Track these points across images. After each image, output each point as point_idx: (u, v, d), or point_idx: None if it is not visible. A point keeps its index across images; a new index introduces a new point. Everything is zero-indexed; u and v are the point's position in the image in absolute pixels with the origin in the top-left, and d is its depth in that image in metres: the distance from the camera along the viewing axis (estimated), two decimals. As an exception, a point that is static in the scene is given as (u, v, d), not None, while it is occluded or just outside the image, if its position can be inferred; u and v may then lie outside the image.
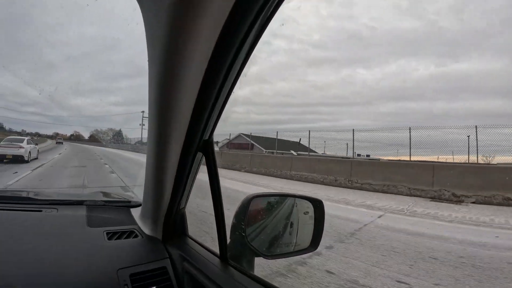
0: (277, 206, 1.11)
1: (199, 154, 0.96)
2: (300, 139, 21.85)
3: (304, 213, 1.11)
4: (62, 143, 41.48)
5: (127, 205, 1.57)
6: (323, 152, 23.08)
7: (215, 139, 0.93)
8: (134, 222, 1.37)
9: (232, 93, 0.79)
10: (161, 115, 0.86)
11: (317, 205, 1.10)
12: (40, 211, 1.40)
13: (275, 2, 0.62)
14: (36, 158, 15.22)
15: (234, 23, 0.63)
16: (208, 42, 0.65)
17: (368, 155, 20.31)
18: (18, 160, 13.17)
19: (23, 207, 1.43)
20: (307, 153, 21.11)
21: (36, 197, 1.55)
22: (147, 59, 0.79)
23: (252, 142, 27.63)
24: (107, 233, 1.23)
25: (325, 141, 21.58)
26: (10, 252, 1.04)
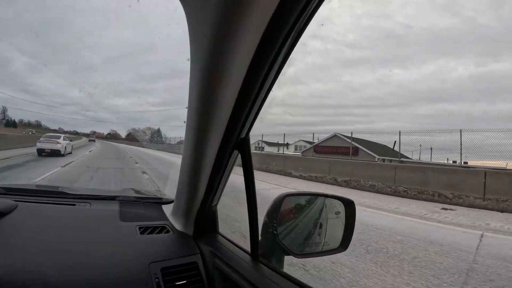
0: (308, 205, 1.11)
1: (235, 152, 0.98)
2: (395, 141, 17.90)
3: (336, 213, 1.11)
4: (94, 141, 42.94)
5: (158, 202, 1.61)
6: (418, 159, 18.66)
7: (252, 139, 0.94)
8: (166, 218, 1.41)
9: (271, 92, 0.80)
10: (202, 111, 0.87)
11: (349, 205, 1.10)
12: (74, 205, 1.45)
13: (315, 3, 0.63)
14: (70, 153, 17.07)
15: (277, 24, 0.64)
16: (252, 41, 0.67)
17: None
18: (55, 153, 14.83)
19: (58, 200, 1.48)
20: (393, 158, 17.87)
21: (69, 192, 1.61)
22: (184, 60, 0.81)
23: (358, 145, 22.08)
24: (139, 228, 1.27)
25: (420, 145, 17.94)
26: (44, 243, 1.08)
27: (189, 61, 0.80)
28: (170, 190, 1.38)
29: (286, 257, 1.07)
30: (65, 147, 16.20)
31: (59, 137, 16.45)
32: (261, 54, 0.70)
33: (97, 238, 1.17)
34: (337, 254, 1.12)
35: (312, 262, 3.62)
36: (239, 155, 0.98)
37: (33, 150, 14.92)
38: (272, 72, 0.75)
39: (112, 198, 1.59)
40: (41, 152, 14.69)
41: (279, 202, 1.01)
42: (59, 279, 0.96)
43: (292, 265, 3.35)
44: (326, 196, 1.12)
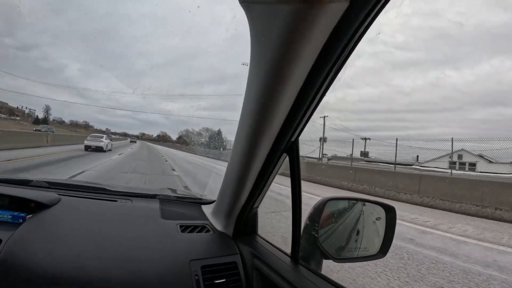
0: (349, 210, 1.13)
1: (284, 155, 1.00)
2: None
3: (376, 219, 1.11)
4: (135, 142, 45.52)
5: (198, 202, 1.65)
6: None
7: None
8: (206, 218, 1.44)
9: (324, 97, 0.82)
10: (257, 114, 0.89)
11: (389, 211, 1.10)
12: (115, 201, 1.50)
13: (375, 11, 0.65)
14: (110, 150, 20.13)
15: (336, 35, 0.68)
16: (315, 48, 0.70)
17: None
18: (99, 150, 18.26)
19: (100, 196, 1.53)
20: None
21: (110, 189, 1.66)
22: (236, 65, 0.85)
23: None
24: (180, 226, 1.30)
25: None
26: (86, 236, 1.12)
27: (246, 65, 0.83)
28: (209, 192, 1.41)
29: (324, 261, 1.09)
30: (107, 145, 19.53)
31: (102, 137, 20.31)
32: (322, 60, 0.73)
33: (138, 234, 1.20)
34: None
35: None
36: (287, 159, 1.00)
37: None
38: (330, 76, 0.77)
39: (153, 196, 1.64)
40: (87, 148, 18.16)
41: (321, 206, 1.03)
42: (100, 271, 1.00)
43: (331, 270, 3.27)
44: (367, 201, 1.13)
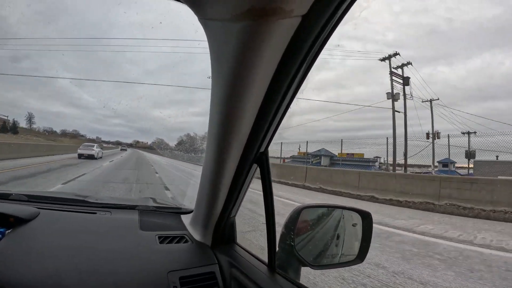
0: (325, 217, 1.13)
1: (254, 166, 1.01)
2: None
3: (353, 225, 1.12)
4: (126, 149, 45.70)
5: (177, 212, 1.64)
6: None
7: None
8: (184, 228, 1.43)
9: (290, 108, 0.83)
10: (223, 127, 0.91)
11: (366, 217, 1.11)
12: (95, 213, 1.48)
13: (332, 24, 0.66)
14: (101, 157, 21.63)
15: (295, 45, 0.68)
16: (271, 63, 0.71)
17: None
18: (90, 157, 19.93)
19: (79, 209, 1.51)
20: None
21: (90, 200, 1.64)
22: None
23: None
24: (159, 237, 1.29)
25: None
26: (65, 250, 1.11)
27: (210, 78, 0.84)
28: (188, 201, 1.41)
29: (303, 269, 1.09)
30: (97, 153, 21.21)
31: (93, 146, 22.22)
32: (281, 74, 0.74)
33: (117, 247, 1.19)
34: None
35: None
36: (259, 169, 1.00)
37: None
38: (290, 89, 0.78)
39: (132, 207, 1.63)
40: (81, 156, 19.81)
41: (296, 214, 1.03)
42: (79, 285, 0.98)
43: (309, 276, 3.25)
44: (344, 208, 1.13)
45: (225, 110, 0.85)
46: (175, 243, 1.29)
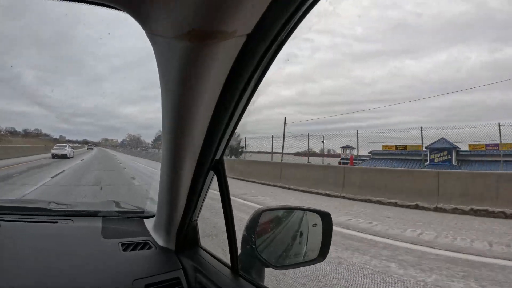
0: (286, 219, 1.15)
1: (211, 173, 1.02)
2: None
3: (313, 225, 1.15)
4: (92, 149, 44.51)
5: (141, 216, 1.61)
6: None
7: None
8: (148, 233, 1.41)
9: (243, 117, 0.85)
10: (175, 136, 0.91)
11: (325, 217, 1.14)
12: (56, 222, 1.44)
13: (277, 42, 0.67)
14: (73, 157, 22.95)
15: (242, 63, 0.70)
16: (217, 81, 0.72)
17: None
18: (63, 157, 21.38)
19: (40, 218, 1.47)
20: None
21: (51, 208, 1.59)
22: None
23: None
24: (122, 245, 1.27)
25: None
26: (26, 263, 1.07)
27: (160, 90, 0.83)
28: (151, 203, 1.40)
29: (268, 270, 1.11)
30: (70, 152, 23.01)
31: (65, 146, 24.17)
32: (229, 89, 0.75)
33: (79, 258, 1.17)
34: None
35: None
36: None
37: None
38: (240, 103, 0.80)
39: (94, 214, 1.59)
40: (54, 156, 21.21)
41: (256, 217, 1.04)
42: None
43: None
44: (303, 209, 1.16)
45: (176, 121, 0.86)
46: (139, 249, 1.27)
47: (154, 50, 0.75)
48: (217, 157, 0.97)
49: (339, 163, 22.40)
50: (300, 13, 0.64)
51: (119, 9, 0.70)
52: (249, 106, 0.81)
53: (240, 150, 26.92)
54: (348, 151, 24.99)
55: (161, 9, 0.64)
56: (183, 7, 0.61)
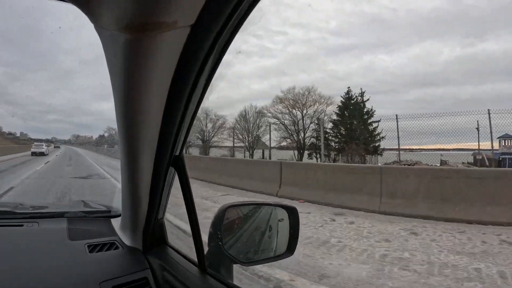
0: (253, 214, 1.14)
1: (172, 169, 1.00)
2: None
3: (279, 220, 1.15)
4: (59, 147, 43.98)
5: (107, 216, 1.59)
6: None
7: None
8: (115, 233, 1.39)
9: (199, 110, 0.83)
10: (129, 136, 0.90)
11: (291, 212, 1.14)
12: (22, 225, 1.41)
13: (224, 33, 0.67)
14: (47, 154, 25.27)
15: (189, 53, 0.69)
16: (167, 73, 0.71)
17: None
18: (42, 154, 24.34)
19: (5, 222, 1.44)
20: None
21: (17, 211, 1.56)
22: None
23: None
24: (89, 246, 1.25)
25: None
26: None
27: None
28: (118, 202, 1.38)
29: (238, 266, 1.11)
30: (46, 150, 26.37)
31: (43, 144, 27.45)
32: (181, 80, 0.74)
33: (45, 261, 1.14)
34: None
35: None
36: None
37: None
38: (194, 94, 0.78)
39: (61, 215, 1.56)
40: (34, 154, 24.06)
41: (222, 213, 1.03)
42: None
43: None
44: (269, 204, 1.16)
45: (128, 117, 0.85)
46: (106, 250, 1.25)
47: (102, 43, 0.73)
48: (176, 153, 0.96)
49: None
50: (248, 4, 0.63)
51: (65, 1, 0.68)
52: (204, 100, 0.80)
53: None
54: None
55: (104, 1, 0.63)
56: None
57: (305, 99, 24.42)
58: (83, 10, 0.67)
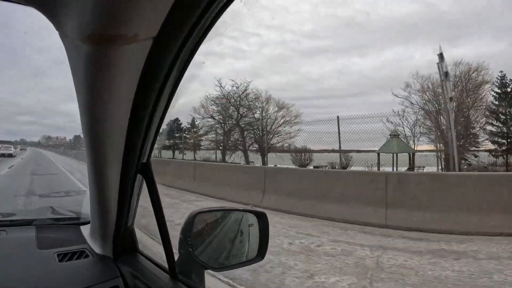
0: (223, 220, 1.15)
1: (139, 176, 1.00)
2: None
3: (249, 225, 1.16)
4: (25, 149, 43.69)
5: (76, 223, 1.56)
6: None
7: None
8: (85, 241, 1.36)
9: (166, 118, 0.84)
10: (95, 143, 0.89)
11: (261, 217, 1.15)
12: None
13: (188, 44, 0.68)
14: (15, 156, 26.44)
15: (154, 66, 0.70)
16: (130, 84, 0.72)
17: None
18: (10, 156, 25.28)
19: None
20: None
21: None
22: None
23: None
24: (58, 255, 1.22)
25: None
26: None
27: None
28: (87, 208, 1.35)
29: (211, 273, 1.11)
30: (14, 152, 27.68)
31: (11, 147, 28.47)
32: (145, 90, 0.74)
33: (13, 271, 1.11)
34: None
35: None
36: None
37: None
38: (159, 104, 0.79)
39: (29, 223, 1.51)
40: (2, 155, 24.72)
41: (191, 219, 1.03)
42: None
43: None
44: (238, 210, 1.17)
45: (93, 123, 0.85)
46: (76, 259, 1.22)
47: (66, 50, 0.73)
48: (143, 160, 0.96)
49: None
50: (213, 14, 0.64)
51: (32, 7, 0.67)
52: (169, 108, 0.81)
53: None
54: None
55: (66, 11, 0.63)
56: (84, 10, 0.60)
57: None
58: (48, 17, 0.67)
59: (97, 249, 1.27)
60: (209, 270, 1.11)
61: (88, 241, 1.35)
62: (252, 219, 1.16)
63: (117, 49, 0.64)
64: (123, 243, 1.21)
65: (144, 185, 1.04)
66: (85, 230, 1.44)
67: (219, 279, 3.24)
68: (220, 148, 23.05)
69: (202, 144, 25.32)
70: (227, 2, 0.64)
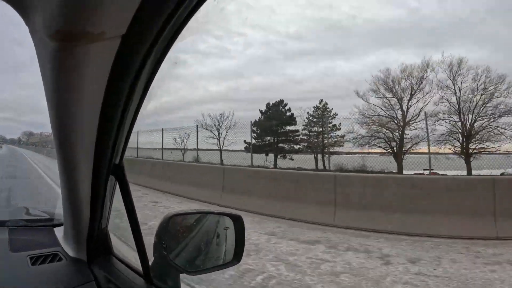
0: (199, 223, 1.15)
1: (112, 178, 0.99)
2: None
3: (225, 229, 1.15)
4: (1, 147, 42.94)
5: (49, 224, 1.52)
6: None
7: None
8: (58, 243, 1.33)
9: (137, 120, 0.83)
10: (64, 143, 0.88)
11: (236, 220, 1.15)
12: None
13: (158, 43, 0.67)
14: None
15: (123, 65, 0.69)
16: (99, 83, 0.70)
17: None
18: None
19: None
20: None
21: None
22: None
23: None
24: (31, 258, 1.18)
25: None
26: None
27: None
28: (61, 208, 1.33)
29: (187, 276, 1.10)
30: None
31: None
32: (115, 91, 0.73)
33: None
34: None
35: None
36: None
37: None
38: (131, 104, 0.78)
39: (2, 224, 1.47)
40: None
41: (166, 222, 1.02)
42: None
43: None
44: (213, 213, 1.17)
45: (62, 123, 0.83)
46: (49, 262, 1.19)
47: (34, 46, 0.72)
48: (116, 161, 0.94)
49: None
50: (185, 12, 0.64)
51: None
52: (141, 109, 0.80)
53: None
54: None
55: (34, 6, 0.62)
56: (51, 6, 0.59)
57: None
58: (18, 12, 0.66)
59: (70, 252, 1.24)
60: (185, 274, 1.11)
61: (61, 243, 1.31)
62: (228, 222, 1.15)
63: (84, 47, 0.63)
64: (97, 245, 1.18)
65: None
66: (59, 232, 1.40)
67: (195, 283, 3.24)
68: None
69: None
70: (200, 1, 0.64)
